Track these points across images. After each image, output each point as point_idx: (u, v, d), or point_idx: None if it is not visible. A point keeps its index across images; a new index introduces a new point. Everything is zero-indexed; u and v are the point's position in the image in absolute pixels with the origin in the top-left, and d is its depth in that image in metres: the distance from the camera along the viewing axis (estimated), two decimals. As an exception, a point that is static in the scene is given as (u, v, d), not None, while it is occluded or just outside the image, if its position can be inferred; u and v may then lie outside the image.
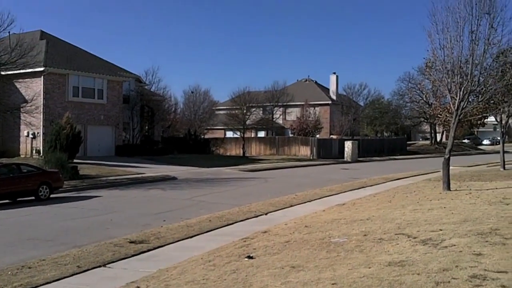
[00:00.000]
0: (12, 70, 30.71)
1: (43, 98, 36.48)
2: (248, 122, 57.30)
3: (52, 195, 21.62)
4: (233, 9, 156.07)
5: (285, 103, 66.85)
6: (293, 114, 68.28)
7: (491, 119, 41.90)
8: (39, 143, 36.63)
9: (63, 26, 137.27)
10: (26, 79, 36.47)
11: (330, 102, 71.59)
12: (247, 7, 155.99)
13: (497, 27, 24.17)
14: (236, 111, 57.75)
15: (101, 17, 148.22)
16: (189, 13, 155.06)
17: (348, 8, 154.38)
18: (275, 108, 67.40)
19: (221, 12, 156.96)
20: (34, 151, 36.73)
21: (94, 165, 32.71)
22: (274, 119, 68.28)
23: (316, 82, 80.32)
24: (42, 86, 36.62)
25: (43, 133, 36.17)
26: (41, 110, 35.82)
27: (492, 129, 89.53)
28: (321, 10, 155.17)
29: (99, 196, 22.16)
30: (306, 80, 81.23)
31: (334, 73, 75.17)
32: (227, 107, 66.57)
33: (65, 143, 32.17)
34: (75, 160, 32.16)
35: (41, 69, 36.11)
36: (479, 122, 40.18)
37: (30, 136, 36.95)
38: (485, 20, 24.31)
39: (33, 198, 20.96)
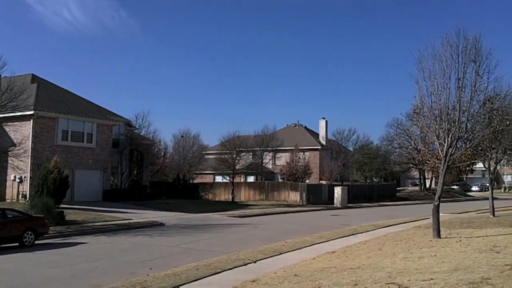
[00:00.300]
0: (1, 113, 30.63)
1: (32, 142, 36.31)
2: (237, 166, 57.15)
3: (37, 241, 21.17)
4: (223, 54, 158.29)
5: (274, 148, 67.04)
6: (283, 159, 68.37)
7: (480, 165, 42.16)
8: (26, 187, 36.19)
9: (54, 69, 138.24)
10: (15, 123, 36.39)
11: (319, 147, 71.93)
12: (237, 52, 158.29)
13: (483, 74, 24.55)
14: (226, 156, 57.67)
15: (92, 60, 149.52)
16: (180, 57, 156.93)
17: (336, 54, 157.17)
18: (265, 152, 67.48)
19: (212, 56, 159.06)
20: (20, 196, 36.25)
21: (81, 210, 32.27)
22: (263, 164, 68.25)
23: (305, 127, 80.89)
24: (31, 129, 36.50)
25: (30, 177, 35.77)
26: (29, 154, 35.57)
27: (480, 175, 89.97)
28: (310, 55, 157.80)
29: (85, 243, 21.74)
30: (295, 125, 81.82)
31: (324, 118, 75.86)
32: (217, 152, 66.55)
33: (52, 188, 31.80)
34: (61, 205, 31.72)
35: (31, 112, 36.08)
36: (467, 169, 40.51)
37: (17, 180, 36.54)
38: (471, 68, 24.70)
39: (17, 244, 20.51)
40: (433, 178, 70.49)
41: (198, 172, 68.28)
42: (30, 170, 35.99)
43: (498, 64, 24.38)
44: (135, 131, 51.67)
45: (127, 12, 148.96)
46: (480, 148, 27.32)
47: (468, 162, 31.40)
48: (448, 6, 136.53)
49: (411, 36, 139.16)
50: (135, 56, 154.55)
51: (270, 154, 69.39)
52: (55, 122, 38.16)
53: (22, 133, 36.26)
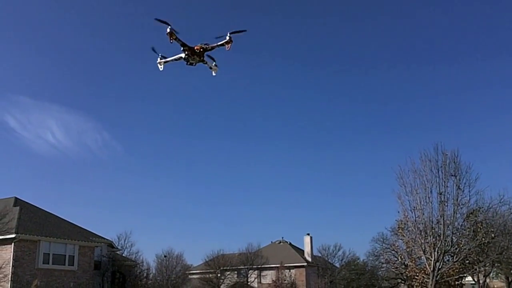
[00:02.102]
0: (-18, 238, 30.21)
1: (12, 266, 35.34)
2: (222, 286, 55.76)
3: None
4: (204, 170, 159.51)
5: (259, 266, 65.80)
6: (268, 277, 66.91)
7: (469, 279, 41.55)
8: (3, 314, 34.71)
9: (37, 191, 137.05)
10: (-4, 247, 35.71)
11: (305, 264, 70.75)
12: (219, 163, 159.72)
13: (464, 188, 25.20)
14: (210, 275, 56.40)
15: (74, 181, 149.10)
16: (163, 173, 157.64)
17: (320, 171, 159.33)
18: (250, 271, 66.15)
19: (195, 172, 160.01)
20: (-3, 323, 34.67)
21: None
22: (249, 283, 66.57)
23: (290, 243, 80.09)
24: (12, 253, 35.65)
25: (9, 303, 34.46)
26: (9, 279, 34.57)
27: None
28: (295, 170, 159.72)
29: None
30: (280, 242, 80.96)
31: (308, 234, 75.38)
32: (201, 271, 65.12)
33: (32, 314, 30.61)
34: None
35: (13, 236, 35.49)
36: (457, 283, 39.53)
37: (-5, 306, 35.15)
38: (452, 182, 25.40)
39: None
40: (423, 294, 69.00)
41: (181, 293, 66.23)
42: (10, 295, 34.74)
43: (478, 178, 25.14)
44: (118, 252, 50.73)
45: (110, 133, 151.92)
46: (467, 261, 27.31)
47: (457, 276, 31.01)
48: (425, 120, 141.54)
49: (392, 148, 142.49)
50: (118, 176, 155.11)
51: (255, 272, 67.92)
52: (36, 245, 37.44)
53: (2, 257, 35.43)
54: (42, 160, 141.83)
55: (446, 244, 24.50)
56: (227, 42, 20.44)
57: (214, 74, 22.70)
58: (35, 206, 44.33)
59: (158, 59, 22.94)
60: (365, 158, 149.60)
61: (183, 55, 21.79)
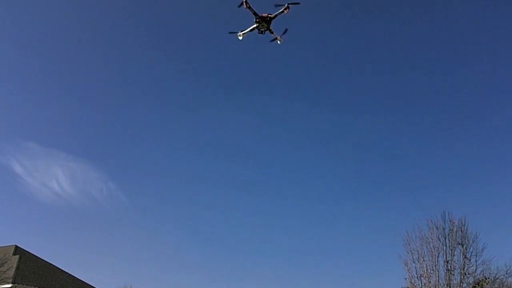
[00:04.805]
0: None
1: (6, 317, 34.58)
2: None
3: None
4: (219, 236, 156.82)
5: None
6: None
7: None
8: None
9: (38, 239, 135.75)
10: (-9, 296, 34.97)
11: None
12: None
13: (470, 257, 24.65)
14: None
15: (76, 231, 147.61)
16: (166, 232, 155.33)
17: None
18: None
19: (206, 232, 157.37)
20: None
21: None
22: None
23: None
24: (7, 303, 34.97)
25: None
26: (2, 330, 33.66)
27: None
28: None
29: None
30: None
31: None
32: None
33: None
34: None
35: (9, 286, 34.83)
36: None
37: None
38: (459, 251, 24.87)
39: None
40: None
41: None
42: None
43: (485, 248, 24.62)
44: (116, 307, 49.66)
45: (115, 184, 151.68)
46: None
47: None
48: (432, 181, 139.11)
49: (396, 210, 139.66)
50: (122, 227, 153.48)
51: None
52: (33, 296, 36.71)
53: (-3, 307, 34.67)
54: (45, 208, 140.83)
55: (453, 315, 23.65)
56: (285, 8, 26.83)
57: (279, 43, 28.90)
58: (35, 256, 43.64)
59: (239, 32, 29.20)
60: (367, 218, 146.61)
61: (255, 25, 27.98)
